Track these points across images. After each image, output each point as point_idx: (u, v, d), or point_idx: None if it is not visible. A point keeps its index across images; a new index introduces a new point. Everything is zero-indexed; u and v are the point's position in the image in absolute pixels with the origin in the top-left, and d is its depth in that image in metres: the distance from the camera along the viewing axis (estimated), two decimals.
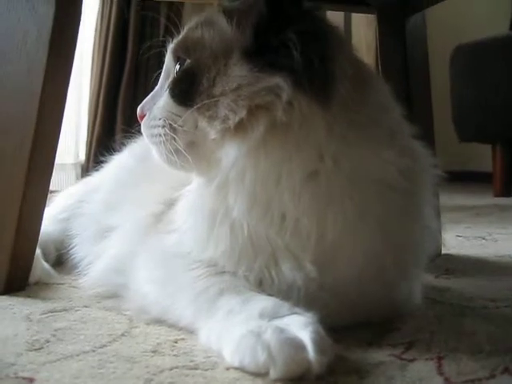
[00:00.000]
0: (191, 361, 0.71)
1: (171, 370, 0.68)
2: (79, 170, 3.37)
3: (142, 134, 1.15)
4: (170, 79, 0.84)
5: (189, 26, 0.85)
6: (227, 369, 0.68)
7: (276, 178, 0.76)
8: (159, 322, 0.84)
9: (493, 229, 1.86)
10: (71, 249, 1.22)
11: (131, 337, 0.80)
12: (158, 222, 0.99)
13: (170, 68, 0.86)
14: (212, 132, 0.76)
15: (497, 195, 3.15)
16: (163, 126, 0.80)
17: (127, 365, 0.69)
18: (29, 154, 1.00)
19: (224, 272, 0.81)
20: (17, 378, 0.65)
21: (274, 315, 0.71)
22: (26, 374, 0.66)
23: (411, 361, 0.71)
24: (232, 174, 0.76)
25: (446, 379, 0.66)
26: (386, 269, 0.79)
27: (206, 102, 0.76)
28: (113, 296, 0.97)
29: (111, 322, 0.87)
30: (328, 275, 0.77)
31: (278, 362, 0.63)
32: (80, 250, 1.19)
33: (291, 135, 0.74)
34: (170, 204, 0.99)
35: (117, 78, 3.29)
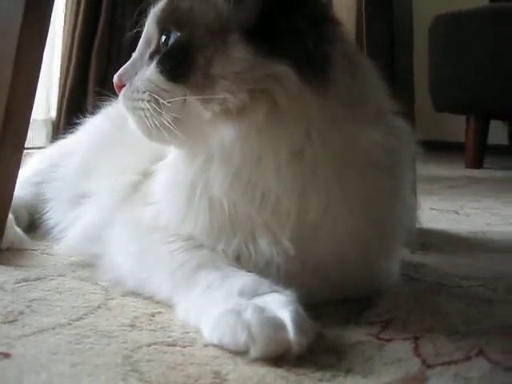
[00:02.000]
0: (169, 336, 0.71)
1: (149, 346, 0.67)
2: (50, 127, 3.30)
3: (116, 97, 1.14)
4: (152, 48, 0.80)
5: None
6: (206, 346, 0.68)
7: (262, 155, 0.75)
8: (135, 294, 0.83)
9: (465, 202, 1.89)
10: (44, 214, 1.19)
11: (107, 309, 0.79)
12: (135, 192, 0.97)
13: (151, 36, 0.82)
14: (207, 113, 0.74)
15: (468, 167, 3.19)
16: (148, 101, 0.76)
17: (105, 340, 0.69)
18: (3, 117, 0.97)
19: (202, 246, 0.80)
20: None
21: (253, 293, 0.70)
22: (1, 349, 0.65)
23: (388, 341, 0.72)
24: (219, 151, 0.75)
25: (423, 361, 0.66)
26: (367, 247, 0.80)
27: (202, 81, 0.73)
28: (87, 265, 0.96)
29: (87, 293, 0.85)
30: (309, 254, 0.77)
31: (259, 342, 0.63)
32: (54, 216, 1.17)
33: (285, 117, 0.73)
34: (147, 175, 0.97)
35: (90, 34, 3.19)
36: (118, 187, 1.01)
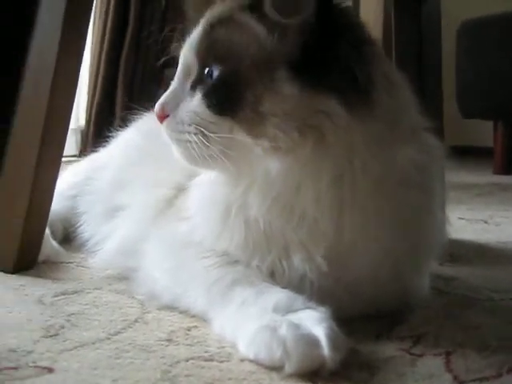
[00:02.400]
0: (206, 351, 0.72)
1: (187, 361, 0.69)
2: (79, 136, 3.36)
3: (145, 109, 1.16)
4: (193, 79, 0.82)
5: (208, 22, 0.82)
6: (242, 361, 0.69)
7: (302, 184, 0.76)
8: (170, 308, 0.85)
9: (494, 211, 1.88)
10: (79, 227, 1.22)
11: (144, 323, 0.82)
12: (169, 207, 1.00)
13: (190, 66, 0.83)
14: (258, 149, 0.75)
15: (497, 173, 3.16)
16: (195, 133, 0.78)
17: (143, 354, 0.71)
18: (41, 131, 1.01)
19: (236, 262, 0.82)
20: (36, 367, 0.66)
21: (288, 309, 0.72)
22: (44, 364, 0.67)
23: (420, 356, 0.73)
24: (262, 179, 0.77)
25: (455, 377, 0.67)
26: (399, 262, 0.81)
27: (251, 117, 0.74)
28: (123, 278, 0.99)
29: (123, 307, 0.88)
30: (342, 270, 0.78)
31: (293, 358, 0.65)
32: (88, 229, 1.20)
33: (331, 148, 0.75)
34: (181, 190, 0.99)
35: (117, 46, 3.25)
36: (151, 201, 1.04)
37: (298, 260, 0.78)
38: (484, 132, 3.62)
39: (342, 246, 0.78)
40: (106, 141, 1.37)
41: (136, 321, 0.82)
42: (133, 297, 0.92)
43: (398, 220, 0.79)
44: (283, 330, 0.67)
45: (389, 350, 0.75)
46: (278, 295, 0.75)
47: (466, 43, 3.23)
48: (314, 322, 0.69)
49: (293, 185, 0.76)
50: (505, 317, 0.87)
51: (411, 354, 0.74)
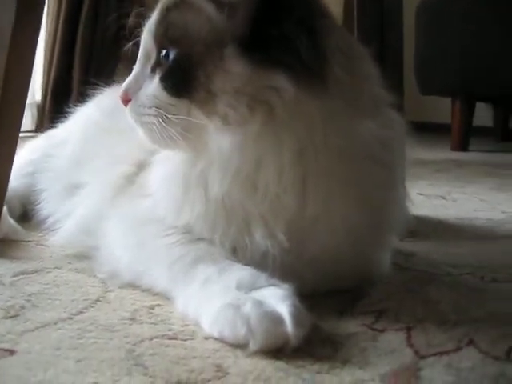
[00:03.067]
0: (170, 329, 0.72)
1: (151, 339, 0.69)
2: (35, 111, 3.28)
3: (104, 84, 1.14)
4: (152, 62, 0.82)
5: (163, 6, 0.81)
6: (206, 338, 0.69)
7: (262, 159, 0.76)
8: (132, 286, 0.85)
9: (452, 187, 1.92)
10: (37, 204, 1.20)
11: (107, 302, 0.81)
12: (130, 184, 0.98)
13: (150, 50, 0.83)
14: (211, 126, 0.76)
15: (454, 149, 3.22)
16: (155, 115, 0.78)
17: (107, 334, 0.70)
18: None
19: (199, 240, 0.81)
20: None
21: (251, 286, 0.72)
22: (5, 346, 0.66)
23: (382, 331, 0.74)
24: (218, 157, 0.76)
25: (416, 352, 0.68)
26: (362, 238, 0.82)
27: (204, 96, 0.75)
28: (83, 257, 0.97)
29: (84, 286, 0.87)
30: (304, 246, 0.79)
31: (258, 336, 0.65)
32: (47, 206, 1.17)
33: (283, 123, 0.74)
34: (142, 166, 0.98)
35: (74, 21, 3.16)
36: (112, 178, 1.02)
37: (259, 236, 0.78)
38: (442, 108, 3.67)
39: (303, 221, 0.78)
40: (64, 116, 1.34)
41: (98, 300, 0.81)
42: (94, 276, 0.90)
43: (361, 195, 0.80)
44: (247, 308, 0.67)
45: (351, 325, 0.76)
46: (241, 272, 0.75)
47: (425, 20, 3.26)
48: (278, 300, 0.69)
49: (251, 160, 0.76)
50: (463, 292, 0.89)
51: (373, 329, 0.75)
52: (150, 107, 0.79)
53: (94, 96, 1.29)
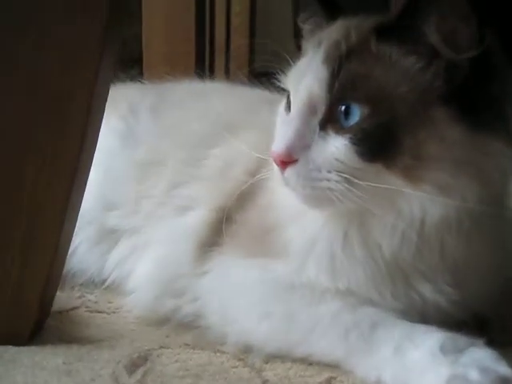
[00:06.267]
0: None
1: None
2: None
3: None
4: (321, 117, 0.73)
5: (337, 53, 0.72)
6: None
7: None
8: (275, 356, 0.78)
9: None
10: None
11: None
12: (215, 234, 0.88)
13: (317, 102, 0.73)
14: (415, 193, 0.70)
15: None
16: (337, 181, 0.70)
17: None
18: None
19: (364, 302, 0.77)
20: None
21: (455, 350, 0.70)
22: None
23: None
24: (415, 223, 0.72)
25: None
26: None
27: (410, 162, 0.69)
28: (182, 328, 0.86)
29: (229, 371, 0.76)
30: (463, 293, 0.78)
31: None
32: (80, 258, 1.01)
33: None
34: (223, 211, 0.87)
35: None
36: (187, 226, 0.91)
37: (428, 292, 0.76)
38: None
39: (463, 272, 0.77)
40: None
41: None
42: (217, 351, 0.80)
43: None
44: (475, 376, 0.66)
45: None
46: (437, 335, 0.71)
47: None
48: (493, 361, 0.68)
49: (452, 230, 0.73)
50: None
51: None
52: (330, 171, 0.70)
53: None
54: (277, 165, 0.73)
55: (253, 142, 0.92)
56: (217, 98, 1.07)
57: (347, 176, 0.70)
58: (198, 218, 0.91)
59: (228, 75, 1.70)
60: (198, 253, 0.88)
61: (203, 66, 1.91)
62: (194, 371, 0.76)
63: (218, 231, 0.88)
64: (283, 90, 0.81)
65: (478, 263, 0.78)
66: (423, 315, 0.77)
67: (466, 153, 0.70)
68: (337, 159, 0.70)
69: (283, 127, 0.77)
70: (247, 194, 0.87)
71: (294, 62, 0.79)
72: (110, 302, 0.95)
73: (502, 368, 0.67)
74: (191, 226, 0.91)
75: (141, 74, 1.76)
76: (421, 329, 0.73)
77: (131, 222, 0.97)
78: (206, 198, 0.92)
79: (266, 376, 0.75)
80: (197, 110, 1.04)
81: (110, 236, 0.99)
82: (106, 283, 0.98)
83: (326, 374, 0.75)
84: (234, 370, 0.77)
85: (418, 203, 0.71)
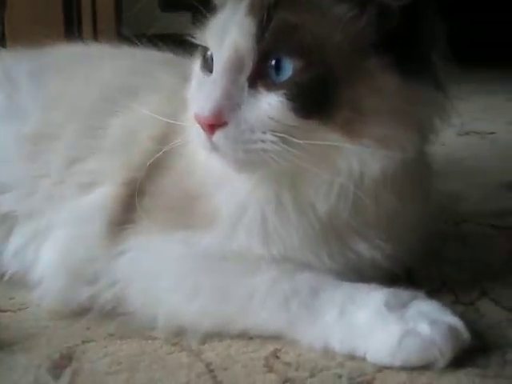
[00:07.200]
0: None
1: None
2: None
3: None
4: (249, 72, 0.67)
5: (264, 4, 0.66)
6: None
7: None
8: (211, 336, 0.73)
9: None
10: None
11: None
12: (130, 212, 0.80)
13: (243, 58, 0.66)
14: (353, 148, 0.67)
15: None
16: (273, 141, 0.65)
17: None
18: None
19: (300, 267, 0.74)
20: None
21: (400, 305, 0.70)
22: None
23: None
24: (348, 176, 0.70)
25: None
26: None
27: (349, 116, 0.66)
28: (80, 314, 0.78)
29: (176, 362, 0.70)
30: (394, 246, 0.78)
31: (447, 353, 0.66)
32: None
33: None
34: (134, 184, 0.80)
35: None
36: (93, 206, 0.82)
37: (364, 249, 0.75)
38: None
39: (396, 225, 0.77)
40: None
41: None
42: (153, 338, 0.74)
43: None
44: (425, 330, 0.67)
45: None
46: (379, 293, 0.71)
47: None
48: (440, 313, 0.70)
49: (387, 183, 0.71)
50: None
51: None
52: (265, 132, 0.65)
53: None
54: (203, 129, 0.67)
55: (156, 105, 0.85)
56: (106, 61, 0.97)
57: (283, 135, 0.65)
58: (104, 195, 0.82)
59: (96, 35, 1.57)
60: (109, 233, 0.80)
61: (72, 29, 1.77)
62: (127, 364, 0.69)
63: (130, 207, 0.81)
64: (197, 47, 0.75)
65: (410, 215, 0.78)
66: (359, 273, 0.76)
67: (402, 103, 0.68)
68: (271, 118, 0.65)
69: (205, 87, 0.70)
70: (159, 162, 0.80)
71: (207, 16, 0.72)
72: (11, 299, 0.84)
73: (449, 317, 0.69)
74: (98, 204, 0.82)
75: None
76: (362, 288, 0.73)
77: (27, 205, 0.86)
78: (110, 172, 0.83)
79: (207, 358, 0.70)
80: (85, 74, 0.93)
81: (3, 222, 0.87)
82: (6, 277, 0.86)
83: (270, 347, 0.72)
84: (170, 356, 0.71)
85: (357, 158, 0.69)
